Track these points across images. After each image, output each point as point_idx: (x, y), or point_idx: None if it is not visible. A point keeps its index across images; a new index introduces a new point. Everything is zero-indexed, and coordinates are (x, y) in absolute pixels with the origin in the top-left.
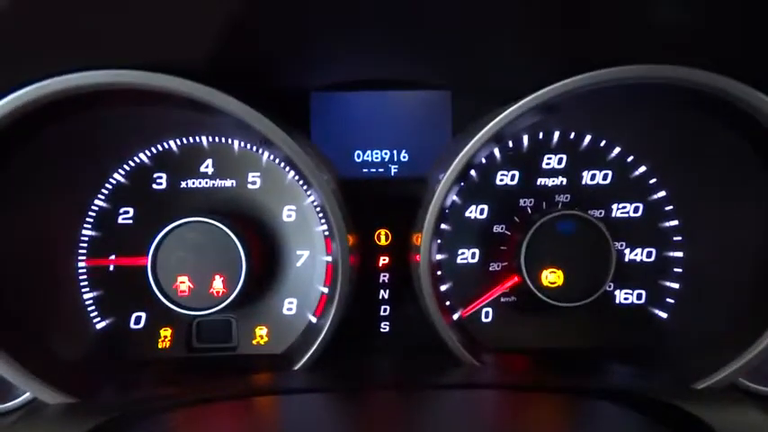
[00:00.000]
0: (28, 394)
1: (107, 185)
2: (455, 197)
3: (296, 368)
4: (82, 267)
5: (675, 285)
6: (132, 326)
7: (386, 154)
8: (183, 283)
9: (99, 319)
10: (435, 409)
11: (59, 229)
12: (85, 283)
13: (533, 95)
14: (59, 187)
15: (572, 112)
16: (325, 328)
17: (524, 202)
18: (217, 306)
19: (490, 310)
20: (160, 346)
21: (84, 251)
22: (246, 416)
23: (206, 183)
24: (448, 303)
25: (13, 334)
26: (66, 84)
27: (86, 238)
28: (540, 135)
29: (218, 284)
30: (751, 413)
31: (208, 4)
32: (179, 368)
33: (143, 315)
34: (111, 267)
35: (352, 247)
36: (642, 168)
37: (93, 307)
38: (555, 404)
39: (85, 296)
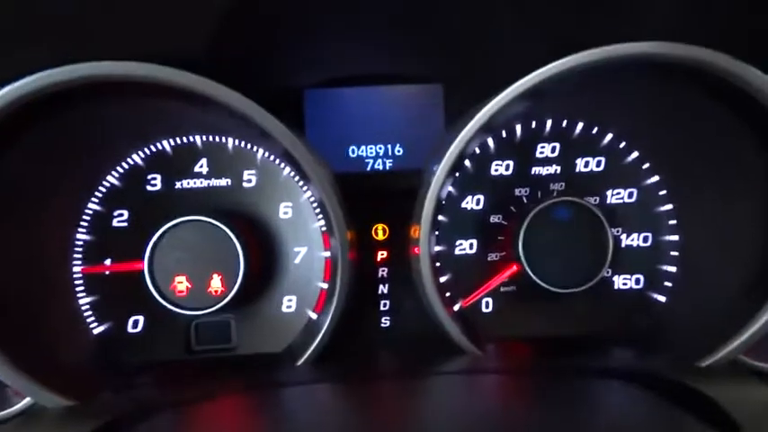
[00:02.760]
0: (27, 399)
1: (101, 188)
2: (451, 188)
3: (297, 365)
4: (77, 273)
5: (672, 269)
6: (130, 329)
7: (380, 148)
8: (181, 284)
9: (96, 324)
10: (439, 397)
11: (53, 233)
12: (81, 288)
13: (520, 81)
14: (52, 191)
15: (563, 99)
16: (326, 325)
17: (520, 192)
18: (216, 305)
19: (490, 299)
20: (159, 349)
21: (80, 256)
22: (246, 413)
23: (201, 182)
24: (448, 294)
25: (10, 339)
26: (53, 78)
27: (81, 243)
28: (533, 124)
29: (216, 283)
30: (752, 388)
31: (200, 1)
32: (179, 370)
33: (140, 318)
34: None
35: (351, 242)
36: (635, 154)
37: (89, 312)
38: (560, 387)
39: (81, 301)
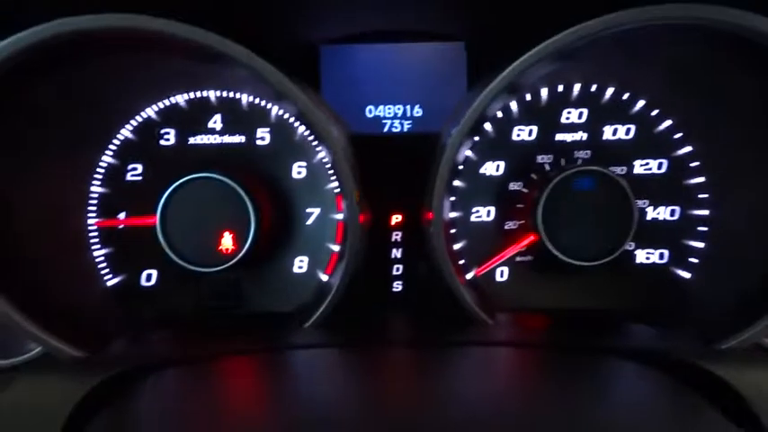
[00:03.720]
0: (39, 349)
1: (115, 141)
2: (470, 153)
3: (306, 326)
4: (92, 225)
5: (700, 245)
6: (144, 283)
7: (398, 109)
8: (193, 240)
9: (110, 276)
10: (446, 366)
11: (69, 184)
12: (96, 240)
13: (549, 41)
14: (67, 143)
15: (593, 62)
16: (336, 286)
17: (542, 159)
18: (226, 263)
19: (506, 269)
20: (172, 304)
21: (95, 208)
22: (254, 371)
23: (215, 139)
24: (462, 262)
25: (23, 289)
26: (63, 27)
27: (96, 195)
28: (560, 88)
29: (227, 242)
30: None
31: None
32: (190, 325)
33: (154, 272)
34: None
35: (363, 205)
36: (667, 122)
37: (104, 264)
38: (572, 364)
39: (96, 253)
